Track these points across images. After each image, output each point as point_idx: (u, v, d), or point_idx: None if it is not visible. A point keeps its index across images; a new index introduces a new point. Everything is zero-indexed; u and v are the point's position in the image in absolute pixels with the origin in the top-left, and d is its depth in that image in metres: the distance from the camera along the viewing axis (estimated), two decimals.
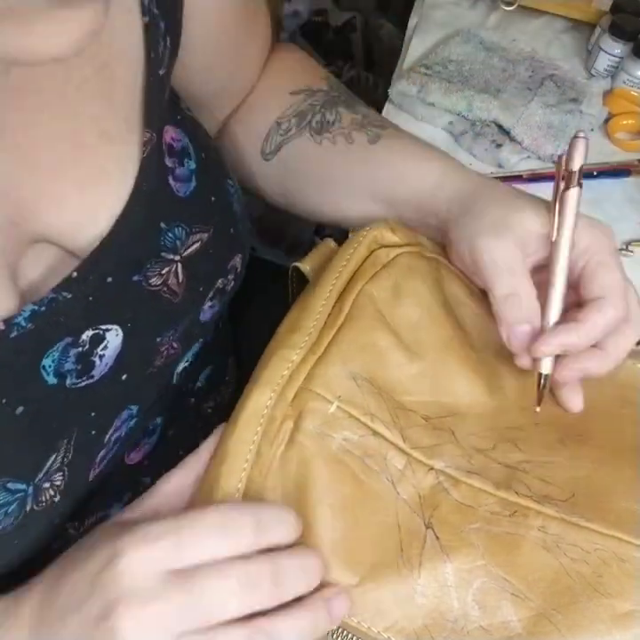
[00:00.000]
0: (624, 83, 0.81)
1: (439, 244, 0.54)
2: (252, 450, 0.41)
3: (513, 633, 0.39)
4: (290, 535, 0.39)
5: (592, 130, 0.79)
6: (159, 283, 0.46)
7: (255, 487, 0.41)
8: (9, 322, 0.38)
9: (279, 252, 1.19)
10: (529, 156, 0.77)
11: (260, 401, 0.42)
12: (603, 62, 0.82)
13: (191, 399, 0.61)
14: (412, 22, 0.92)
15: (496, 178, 0.73)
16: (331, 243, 0.54)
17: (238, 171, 0.61)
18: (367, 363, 0.45)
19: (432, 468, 0.43)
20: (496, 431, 0.46)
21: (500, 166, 0.76)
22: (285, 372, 0.43)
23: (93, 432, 0.44)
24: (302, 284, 0.52)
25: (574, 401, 0.47)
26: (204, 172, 0.49)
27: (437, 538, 0.41)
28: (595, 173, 0.75)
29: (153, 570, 0.35)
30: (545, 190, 0.73)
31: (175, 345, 0.50)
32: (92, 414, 0.44)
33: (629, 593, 0.39)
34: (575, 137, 0.46)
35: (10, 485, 0.39)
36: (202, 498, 0.41)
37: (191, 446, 0.42)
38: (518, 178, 0.75)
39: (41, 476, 0.41)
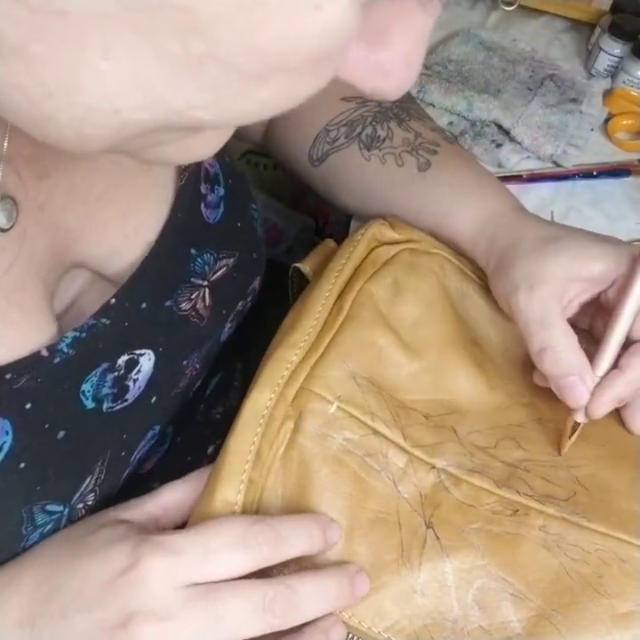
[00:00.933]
0: (624, 83, 0.81)
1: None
2: (252, 450, 0.41)
3: (513, 633, 0.39)
4: (312, 547, 0.39)
5: (592, 130, 0.78)
6: (188, 308, 0.47)
7: (254, 488, 0.41)
8: (52, 348, 0.38)
9: (279, 251, 1.19)
10: (529, 156, 0.77)
11: (259, 401, 0.42)
12: (603, 62, 0.82)
13: (200, 405, 0.61)
14: None
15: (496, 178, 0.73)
16: (331, 243, 0.54)
17: (287, 167, 0.62)
18: (367, 362, 0.45)
19: (433, 467, 0.43)
20: (498, 429, 0.46)
21: (500, 166, 0.76)
22: (285, 373, 0.43)
23: (123, 453, 0.45)
24: (302, 284, 0.52)
25: (636, 425, 0.47)
26: (232, 199, 0.50)
27: (438, 538, 0.41)
28: (595, 173, 0.75)
29: (174, 584, 0.35)
30: (545, 190, 0.73)
31: (198, 366, 0.50)
32: (124, 436, 0.44)
33: (629, 593, 0.39)
34: None
35: (49, 508, 0.40)
36: (204, 499, 0.41)
37: (199, 452, 0.43)
38: (518, 178, 0.75)
39: (77, 497, 0.42)
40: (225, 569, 0.36)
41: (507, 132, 0.77)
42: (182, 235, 0.45)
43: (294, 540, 0.38)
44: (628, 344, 0.45)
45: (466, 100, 0.77)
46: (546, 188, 0.74)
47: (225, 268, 0.49)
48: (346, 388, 0.43)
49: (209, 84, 0.21)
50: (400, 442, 0.43)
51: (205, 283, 0.48)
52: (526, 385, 0.48)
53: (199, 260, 0.47)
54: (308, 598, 0.37)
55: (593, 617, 0.39)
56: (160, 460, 0.57)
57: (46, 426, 0.39)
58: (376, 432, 0.43)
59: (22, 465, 0.38)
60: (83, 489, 0.42)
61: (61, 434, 0.40)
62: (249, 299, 0.54)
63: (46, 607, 0.37)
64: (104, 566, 0.36)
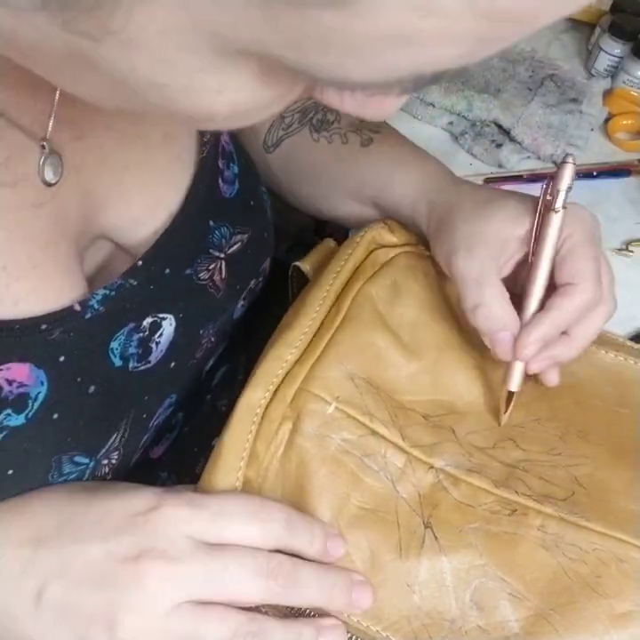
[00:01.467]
0: (624, 83, 0.81)
1: None
2: (247, 447, 0.41)
3: (511, 633, 0.39)
4: (315, 545, 0.39)
5: (592, 130, 0.79)
6: (206, 277, 0.49)
7: (251, 487, 0.41)
8: (84, 303, 0.40)
9: (279, 251, 1.19)
10: (529, 156, 0.77)
11: (253, 398, 0.42)
12: (603, 62, 0.82)
13: (208, 396, 0.62)
14: None
15: (496, 178, 0.74)
16: (331, 242, 0.54)
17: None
18: (365, 363, 0.45)
19: (432, 467, 0.43)
20: (496, 429, 0.46)
21: (500, 166, 0.76)
22: (280, 371, 0.43)
23: (145, 415, 0.47)
24: (302, 283, 0.52)
25: (550, 377, 0.48)
26: (245, 177, 0.52)
27: (436, 538, 0.41)
28: (595, 173, 0.75)
29: (189, 532, 0.37)
30: None
31: (213, 339, 0.52)
32: (146, 398, 0.46)
33: (627, 593, 0.39)
34: (564, 162, 0.46)
35: (76, 459, 0.42)
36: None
37: (205, 443, 0.44)
38: (518, 178, 0.75)
39: (103, 451, 0.43)
40: (235, 533, 0.38)
41: (507, 132, 0.77)
42: (202, 206, 0.47)
43: (304, 533, 0.39)
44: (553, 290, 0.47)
45: (466, 99, 0.77)
46: None
47: (240, 243, 0.51)
48: (344, 388, 0.43)
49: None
50: (398, 442, 0.43)
51: (222, 255, 0.50)
52: (526, 386, 0.48)
53: (217, 232, 0.49)
54: (309, 582, 0.38)
55: (591, 617, 0.39)
56: (168, 449, 0.58)
57: (78, 379, 0.40)
58: (374, 432, 0.43)
59: (55, 416, 0.39)
60: (109, 445, 0.44)
61: (92, 388, 0.41)
62: (260, 278, 0.56)
63: (56, 532, 0.38)
64: (127, 504, 0.38)
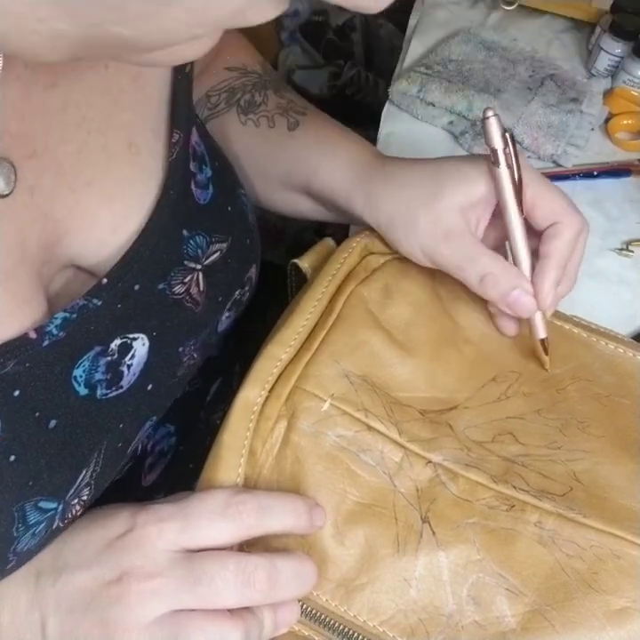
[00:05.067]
0: (624, 82, 0.81)
1: None
2: (246, 445, 0.41)
3: (507, 628, 0.39)
4: (296, 524, 0.40)
5: (592, 129, 0.79)
6: (182, 291, 0.46)
7: (249, 485, 0.41)
8: (41, 330, 0.37)
9: (279, 252, 1.19)
10: (529, 156, 0.77)
11: (249, 396, 0.42)
12: (603, 62, 0.82)
13: (201, 412, 0.61)
14: (412, 22, 0.92)
15: None
16: (330, 242, 0.54)
17: None
18: (360, 361, 0.45)
19: (430, 462, 0.43)
20: (495, 422, 0.46)
21: None
22: (274, 370, 0.43)
23: (120, 444, 0.44)
24: (301, 282, 0.52)
25: (509, 327, 0.50)
26: (219, 181, 0.49)
27: (434, 532, 0.41)
28: (595, 173, 0.75)
29: (163, 546, 0.38)
30: None
31: (195, 355, 0.49)
32: (120, 426, 0.44)
33: (624, 590, 0.39)
34: (484, 118, 0.46)
35: (42, 504, 0.39)
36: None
37: (202, 459, 0.43)
38: None
39: (72, 491, 0.41)
40: (206, 536, 0.38)
41: None
42: (174, 214, 0.44)
43: (278, 513, 0.39)
44: (538, 235, 0.49)
45: (466, 99, 0.78)
46: None
47: (218, 253, 0.49)
48: (339, 386, 0.44)
49: (117, 2, 0.22)
50: (395, 437, 0.43)
51: (199, 266, 0.47)
52: (526, 375, 0.49)
53: (191, 242, 0.46)
54: (289, 580, 0.38)
55: (587, 613, 0.39)
56: (165, 472, 0.57)
57: (37, 414, 0.37)
58: (370, 428, 0.43)
59: (12, 457, 0.36)
60: (78, 483, 0.41)
61: (53, 423, 0.38)
62: (246, 288, 0.53)
63: (51, 562, 0.39)
64: (104, 530, 0.39)
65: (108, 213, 0.41)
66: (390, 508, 0.41)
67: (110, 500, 0.44)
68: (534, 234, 0.49)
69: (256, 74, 0.60)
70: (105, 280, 0.40)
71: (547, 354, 0.49)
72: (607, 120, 0.80)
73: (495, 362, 0.49)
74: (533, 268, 0.48)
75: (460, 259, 0.48)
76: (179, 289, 0.46)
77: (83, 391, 0.40)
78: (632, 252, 0.69)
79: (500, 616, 0.40)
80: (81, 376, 0.40)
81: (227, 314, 0.52)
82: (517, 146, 0.76)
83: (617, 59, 0.81)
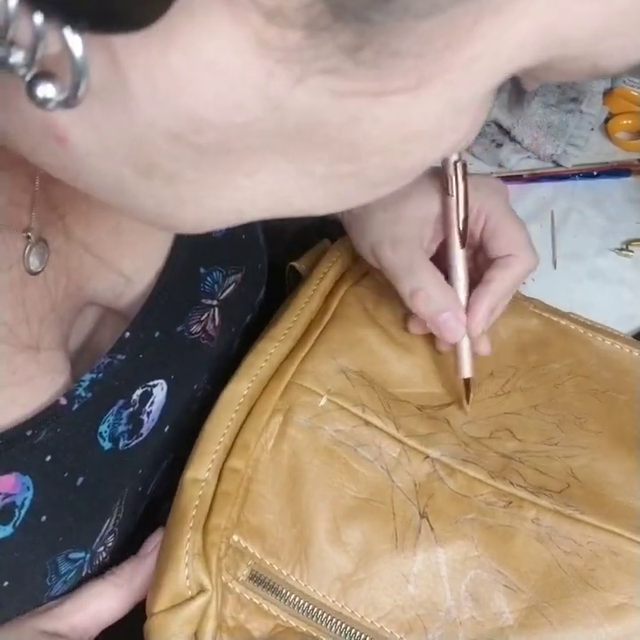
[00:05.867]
0: (624, 82, 0.81)
1: None
2: (226, 434, 0.41)
3: (505, 624, 0.40)
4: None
5: (592, 129, 0.79)
6: (199, 330, 0.46)
7: (240, 477, 0.41)
8: (70, 395, 0.37)
9: (279, 251, 1.19)
10: (529, 156, 0.77)
11: (236, 390, 0.43)
12: None
13: (194, 406, 0.61)
14: None
15: (496, 178, 0.74)
16: (327, 243, 0.55)
17: None
18: (357, 357, 0.45)
19: (428, 457, 0.43)
20: (492, 418, 0.46)
21: (500, 166, 0.77)
22: (263, 364, 0.44)
23: (140, 488, 0.44)
24: (299, 283, 0.52)
25: (483, 346, 0.48)
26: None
27: (432, 528, 0.41)
28: (595, 173, 0.75)
29: None
30: (545, 190, 0.73)
31: (209, 387, 0.49)
32: (140, 471, 0.44)
33: (621, 586, 0.40)
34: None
35: (71, 556, 0.40)
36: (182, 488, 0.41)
37: (185, 447, 0.43)
38: (518, 178, 0.75)
39: (98, 541, 0.41)
40: None
41: (507, 132, 0.77)
42: (191, 253, 0.44)
43: None
44: (489, 263, 0.47)
45: None
46: (546, 187, 0.74)
47: (234, 285, 0.48)
48: (336, 381, 0.44)
49: (339, 192, 0.22)
50: (393, 432, 0.43)
51: (215, 302, 0.47)
52: (523, 369, 0.49)
53: (208, 278, 0.46)
54: None
55: (585, 609, 0.39)
56: (164, 479, 0.57)
57: (66, 474, 0.38)
58: (368, 423, 0.43)
59: (44, 518, 0.37)
60: (103, 532, 0.41)
61: (80, 480, 0.39)
62: (256, 311, 0.53)
63: None
64: None
65: (131, 254, 0.41)
66: (388, 503, 0.41)
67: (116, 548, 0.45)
68: (485, 262, 0.48)
69: None
70: (128, 334, 0.40)
71: (468, 397, 0.46)
72: (607, 120, 0.80)
73: (492, 356, 0.49)
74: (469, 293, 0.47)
75: (400, 267, 0.46)
76: (196, 328, 0.45)
77: (107, 445, 0.40)
78: (632, 251, 0.69)
79: (498, 612, 0.40)
80: (106, 431, 0.40)
81: (238, 340, 0.51)
82: (518, 145, 0.77)
83: None
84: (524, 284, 0.56)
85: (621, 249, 0.70)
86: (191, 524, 0.39)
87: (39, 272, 0.35)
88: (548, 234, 0.70)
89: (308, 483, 0.42)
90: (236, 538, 0.40)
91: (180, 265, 0.43)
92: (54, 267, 0.36)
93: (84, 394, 0.38)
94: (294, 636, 0.40)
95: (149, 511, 0.50)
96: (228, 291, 0.48)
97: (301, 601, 0.40)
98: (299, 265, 0.52)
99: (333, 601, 0.40)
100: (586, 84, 0.81)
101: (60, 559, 0.39)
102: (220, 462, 0.41)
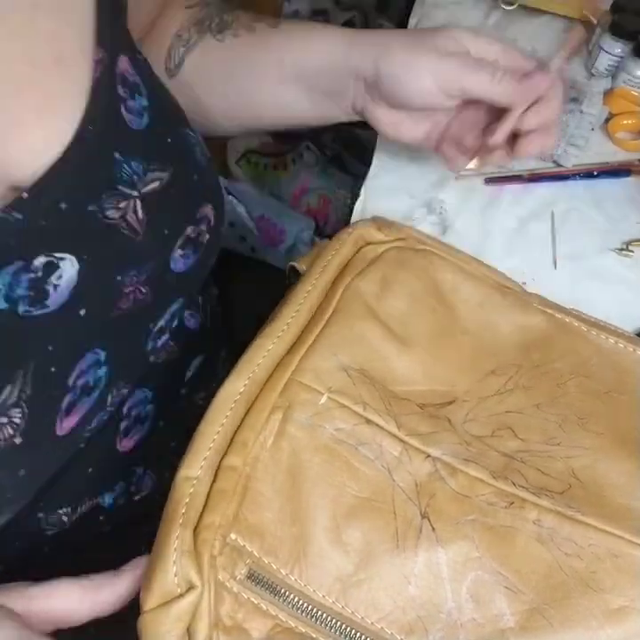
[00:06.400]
0: (624, 82, 0.81)
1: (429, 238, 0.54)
2: (220, 432, 0.41)
3: (506, 627, 0.39)
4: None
5: (592, 129, 0.78)
6: (117, 216, 0.46)
7: (237, 475, 0.41)
8: None
9: (279, 252, 1.19)
10: (530, 156, 0.77)
11: (231, 389, 0.43)
12: (603, 62, 0.82)
13: (182, 389, 0.61)
14: (412, 22, 0.92)
15: (496, 177, 0.74)
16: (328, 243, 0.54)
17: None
18: (358, 354, 0.45)
19: (429, 456, 0.43)
20: (494, 416, 0.46)
21: (500, 166, 0.76)
22: (261, 360, 0.43)
23: (53, 369, 0.43)
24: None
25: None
26: (158, 113, 0.49)
27: (433, 529, 0.41)
28: (595, 173, 0.75)
29: None
30: (545, 190, 0.73)
31: (143, 290, 0.49)
32: (50, 348, 0.43)
33: (622, 589, 0.39)
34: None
35: None
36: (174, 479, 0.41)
37: (183, 437, 0.42)
38: (518, 178, 0.75)
39: None
40: None
41: None
42: (103, 135, 0.44)
43: None
44: None
45: None
46: (546, 187, 0.74)
47: (158, 182, 0.48)
48: (336, 379, 0.44)
49: None
50: (394, 431, 0.43)
51: (135, 193, 0.46)
52: (526, 367, 0.48)
53: (126, 166, 0.46)
54: None
55: (585, 612, 0.39)
56: (144, 443, 0.57)
57: None
58: (368, 421, 0.43)
59: None
60: (3, 399, 0.41)
61: None
62: (203, 227, 0.53)
63: None
64: None
65: (39, 128, 0.41)
66: (389, 502, 0.41)
67: (88, 460, 0.44)
68: None
69: (214, 2, 0.61)
70: (25, 194, 0.40)
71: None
72: (607, 120, 0.80)
73: (494, 353, 0.49)
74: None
75: (465, 61, 0.52)
76: (112, 213, 0.45)
77: (2, 305, 0.40)
78: (632, 251, 0.69)
79: (499, 614, 0.40)
80: (1, 289, 0.40)
81: (180, 251, 0.51)
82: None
83: (617, 59, 0.81)
84: (524, 283, 0.56)
85: (621, 249, 0.69)
86: (181, 522, 0.39)
87: None
88: (547, 234, 0.70)
89: (307, 481, 0.41)
90: (233, 536, 0.40)
91: (90, 141, 0.43)
92: None
93: None
94: (293, 637, 0.40)
95: (117, 463, 0.50)
96: (151, 185, 0.47)
97: (300, 601, 0.40)
98: (299, 265, 0.52)
99: (333, 601, 0.40)
100: (586, 84, 0.81)
101: None
102: (215, 460, 0.41)
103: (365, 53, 0.55)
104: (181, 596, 0.37)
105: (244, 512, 0.40)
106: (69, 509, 0.53)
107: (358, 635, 0.40)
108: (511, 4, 0.89)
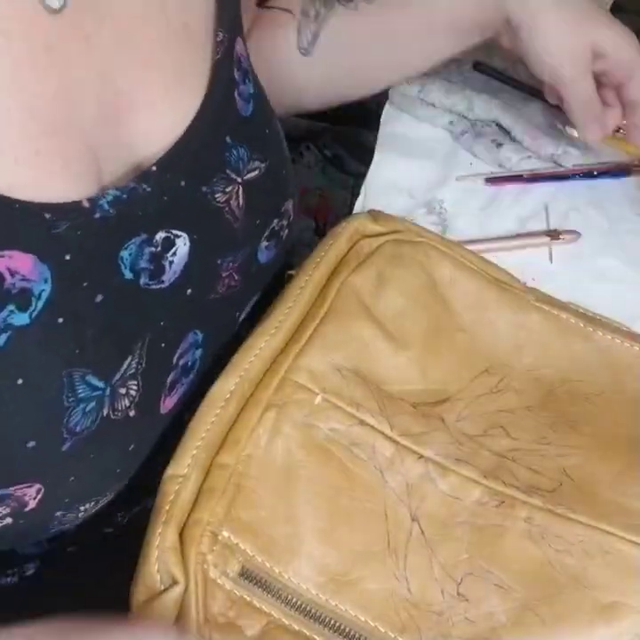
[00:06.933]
0: None
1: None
2: (209, 429, 0.42)
3: (498, 624, 0.40)
4: None
5: None
6: (223, 200, 0.47)
7: (228, 472, 0.41)
8: (94, 202, 0.38)
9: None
10: (530, 156, 0.77)
11: (222, 387, 0.43)
12: None
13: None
14: None
15: (496, 177, 0.74)
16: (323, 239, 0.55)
17: (272, 86, 0.58)
18: (352, 353, 0.45)
19: (421, 456, 0.43)
20: (486, 415, 0.46)
21: (500, 166, 0.76)
22: (252, 359, 0.44)
23: (163, 345, 0.45)
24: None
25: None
26: (260, 101, 0.51)
27: (423, 532, 0.41)
28: (595, 173, 0.75)
29: None
30: (545, 190, 0.73)
31: (236, 277, 0.50)
32: (162, 323, 0.44)
33: (613, 584, 0.40)
34: None
35: (89, 379, 0.40)
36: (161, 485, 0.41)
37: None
38: (518, 178, 0.75)
39: (118, 377, 0.41)
40: None
41: (507, 132, 0.77)
42: (219, 117, 0.46)
43: None
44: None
45: (466, 99, 0.78)
46: (546, 187, 0.74)
47: (258, 171, 0.50)
48: (330, 380, 0.44)
49: None
50: (387, 431, 0.43)
51: (239, 179, 0.48)
52: (518, 370, 0.49)
53: (234, 151, 0.47)
54: None
55: (577, 607, 0.39)
56: (182, 396, 0.55)
57: (85, 284, 0.39)
58: (362, 422, 0.43)
59: (61, 320, 0.38)
60: (124, 370, 0.42)
61: (100, 297, 0.40)
62: (284, 222, 0.54)
63: None
64: None
65: (167, 104, 0.42)
66: (381, 503, 0.42)
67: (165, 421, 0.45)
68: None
69: None
70: (154, 168, 0.41)
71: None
72: None
73: (488, 352, 0.49)
74: None
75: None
76: (220, 197, 0.47)
77: (128, 274, 0.41)
78: (632, 252, 0.69)
79: (491, 612, 0.40)
80: (127, 259, 0.41)
81: (266, 243, 0.52)
82: (518, 145, 0.77)
83: None
84: (523, 283, 0.56)
85: (621, 249, 0.69)
86: (164, 519, 0.39)
87: (58, 10, 0.35)
88: None
89: (301, 480, 0.42)
90: (225, 534, 0.40)
91: (207, 123, 0.44)
92: (82, 53, 0.37)
93: (107, 207, 0.39)
94: (287, 634, 0.40)
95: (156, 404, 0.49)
96: (252, 174, 0.49)
97: (294, 598, 0.40)
98: (296, 273, 0.52)
99: (326, 599, 0.40)
100: None
101: (76, 377, 0.39)
102: (205, 458, 0.41)
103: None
104: (164, 591, 0.38)
105: (237, 510, 0.41)
106: (123, 512, 0.54)
107: (352, 632, 0.40)
108: None
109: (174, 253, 0.44)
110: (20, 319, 0.36)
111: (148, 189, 0.41)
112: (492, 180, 0.74)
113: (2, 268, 0.34)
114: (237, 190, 0.48)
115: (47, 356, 0.38)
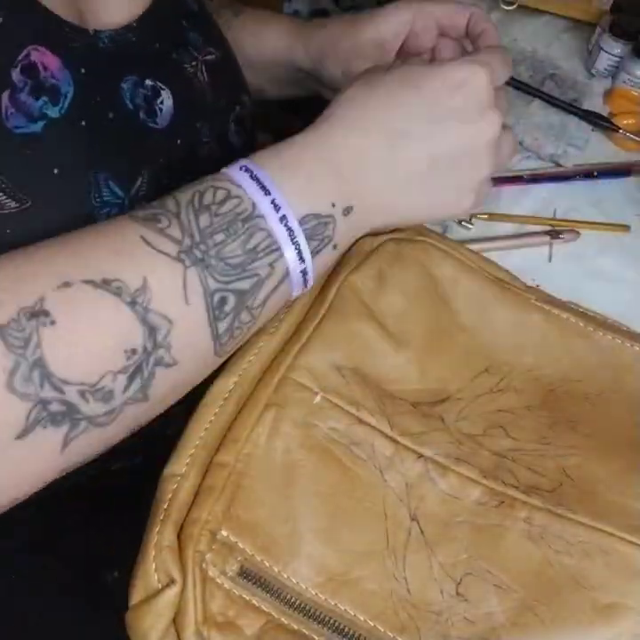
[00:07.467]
0: (624, 82, 0.81)
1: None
2: (208, 428, 0.42)
3: (496, 624, 0.40)
4: None
5: (593, 130, 0.79)
6: (191, 70, 0.53)
7: (226, 471, 0.41)
8: (96, 33, 0.45)
9: None
10: (529, 156, 0.77)
11: (222, 386, 0.43)
12: (603, 62, 0.82)
13: None
14: None
15: (496, 177, 0.74)
16: None
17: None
18: (352, 353, 0.45)
19: (421, 456, 0.43)
20: (486, 414, 0.46)
21: None
22: (252, 358, 0.44)
23: (166, 181, 0.48)
24: None
25: None
26: (201, 4, 0.58)
27: (422, 531, 0.41)
28: (595, 173, 0.75)
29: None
30: (545, 190, 0.73)
31: (215, 148, 0.55)
32: (160, 160, 0.49)
33: (612, 585, 0.40)
34: None
35: (111, 185, 0.44)
36: (159, 484, 0.41)
37: None
38: (518, 178, 0.75)
39: (133, 192, 0.46)
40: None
41: None
42: (175, 3, 0.53)
43: None
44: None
45: None
46: (546, 187, 0.74)
47: (213, 57, 0.56)
48: (330, 379, 0.44)
49: None
50: (387, 431, 0.43)
51: (199, 57, 0.54)
52: (518, 369, 0.49)
53: (190, 33, 0.54)
54: None
55: (576, 608, 0.39)
56: None
57: (98, 99, 0.44)
58: (361, 421, 0.43)
59: (83, 123, 0.43)
60: (137, 188, 0.46)
61: (111, 115, 0.45)
62: (245, 112, 0.59)
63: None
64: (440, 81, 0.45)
65: None
66: (380, 503, 0.41)
67: None
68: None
69: None
70: (135, 23, 0.48)
71: None
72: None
73: (488, 351, 0.49)
74: None
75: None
76: (188, 68, 0.53)
77: (129, 105, 0.47)
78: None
79: (490, 612, 0.40)
80: (126, 91, 0.46)
81: (234, 126, 0.57)
82: (518, 145, 0.77)
83: (617, 59, 0.81)
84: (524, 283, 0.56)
85: (621, 249, 0.69)
86: (161, 517, 0.39)
87: None
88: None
89: (301, 479, 0.41)
90: (224, 533, 0.40)
91: (167, 4, 0.51)
92: None
93: (106, 41, 0.46)
94: (286, 633, 0.40)
95: None
96: (208, 57, 0.55)
97: (293, 598, 0.40)
98: None
99: (325, 599, 0.40)
100: (586, 84, 0.81)
101: (101, 179, 0.43)
102: (204, 457, 0.41)
103: (304, 49, 0.64)
104: (162, 590, 0.38)
105: (237, 509, 0.40)
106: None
107: (351, 632, 0.40)
108: (511, 4, 0.89)
109: (162, 102, 0.49)
110: (53, 111, 0.41)
111: (134, 39, 0.48)
112: (492, 180, 0.73)
113: (37, 60, 0.40)
114: (201, 66, 0.54)
115: (76, 152, 0.43)
